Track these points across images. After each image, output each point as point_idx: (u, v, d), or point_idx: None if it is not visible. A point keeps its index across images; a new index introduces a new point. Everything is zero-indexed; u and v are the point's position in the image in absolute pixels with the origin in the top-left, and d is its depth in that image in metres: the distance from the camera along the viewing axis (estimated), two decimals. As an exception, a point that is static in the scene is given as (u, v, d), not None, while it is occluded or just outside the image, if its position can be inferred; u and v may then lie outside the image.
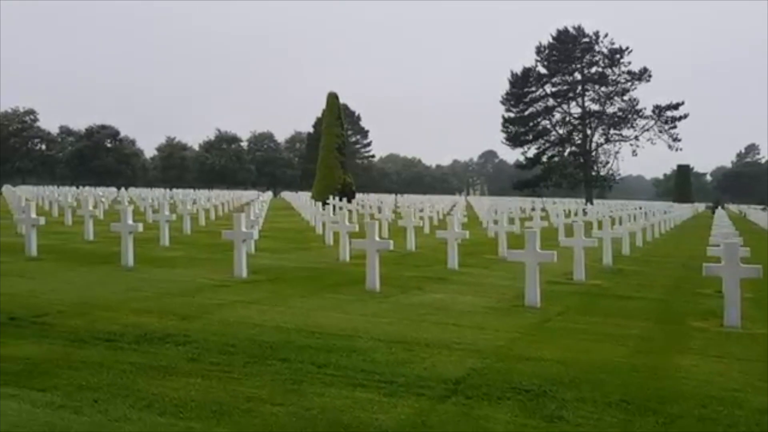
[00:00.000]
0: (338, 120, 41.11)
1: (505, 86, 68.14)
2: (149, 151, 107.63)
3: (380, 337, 6.22)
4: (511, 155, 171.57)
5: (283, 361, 5.29)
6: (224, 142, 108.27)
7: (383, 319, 7.11)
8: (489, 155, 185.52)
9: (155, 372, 4.91)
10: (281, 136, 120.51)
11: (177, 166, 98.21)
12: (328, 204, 27.77)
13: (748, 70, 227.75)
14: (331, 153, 40.05)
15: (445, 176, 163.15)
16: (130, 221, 10.77)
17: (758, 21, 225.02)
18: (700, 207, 67.22)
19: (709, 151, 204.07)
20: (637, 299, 9.38)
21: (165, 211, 14.33)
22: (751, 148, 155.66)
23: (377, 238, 9.02)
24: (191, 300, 7.95)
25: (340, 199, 32.73)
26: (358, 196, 42.84)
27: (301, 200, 36.21)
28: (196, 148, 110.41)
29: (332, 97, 40.97)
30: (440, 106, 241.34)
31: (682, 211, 43.27)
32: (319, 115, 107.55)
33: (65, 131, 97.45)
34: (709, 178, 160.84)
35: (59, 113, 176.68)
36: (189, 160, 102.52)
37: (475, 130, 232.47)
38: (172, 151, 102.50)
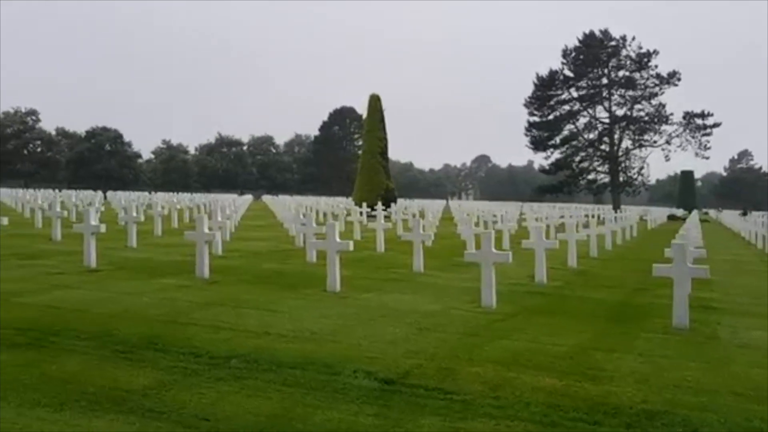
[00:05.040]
0: (381, 123, 39.32)
1: (494, 91, 67.52)
2: (144, 155, 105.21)
3: None
4: (504, 160, 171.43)
5: None
6: (225, 145, 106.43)
7: None
8: (482, 159, 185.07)
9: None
10: (280, 140, 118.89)
11: (179, 170, 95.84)
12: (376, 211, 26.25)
13: (739, 75, 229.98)
14: (374, 157, 38.38)
15: (439, 180, 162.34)
16: (338, 239, 9.19)
17: (749, 23, 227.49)
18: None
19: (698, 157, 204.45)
20: None
21: (312, 223, 12.72)
22: (744, 154, 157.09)
23: (690, 264, 7.51)
24: (515, 344, 6.38)
25: (385, 206, 31.23)
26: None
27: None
28: (192, 151, 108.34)
29: (374, 99, 39.19)
30: (432, 110, 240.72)
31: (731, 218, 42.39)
32: (326, 118, 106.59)
33: (62, 133, 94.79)
34: (699, 183, 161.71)
35: (52, 114, 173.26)
36: (190, 163, 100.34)
37: (467, 135, 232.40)
38: (172, 154, 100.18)
